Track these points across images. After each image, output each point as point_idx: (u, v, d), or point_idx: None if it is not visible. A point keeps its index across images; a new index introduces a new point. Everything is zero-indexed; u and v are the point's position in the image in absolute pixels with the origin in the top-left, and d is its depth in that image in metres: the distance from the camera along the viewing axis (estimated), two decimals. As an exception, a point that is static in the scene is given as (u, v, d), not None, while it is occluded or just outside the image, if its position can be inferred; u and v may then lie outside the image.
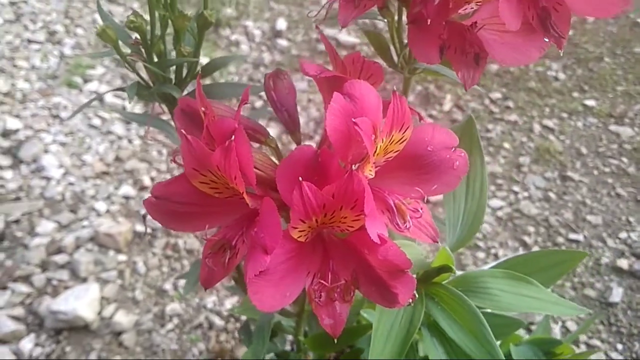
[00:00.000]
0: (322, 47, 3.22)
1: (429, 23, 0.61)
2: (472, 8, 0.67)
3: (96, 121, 2.73)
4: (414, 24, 0.63)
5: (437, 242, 0.60)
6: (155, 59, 0.84)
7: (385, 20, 0.79)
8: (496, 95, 3.02)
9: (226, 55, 1.14)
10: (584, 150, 2.73)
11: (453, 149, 0.60)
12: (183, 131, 0.51)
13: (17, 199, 2.41)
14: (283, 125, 0.70)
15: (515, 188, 2.56)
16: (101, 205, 2.40)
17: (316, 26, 0.71)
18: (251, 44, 3.22)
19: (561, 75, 3.12)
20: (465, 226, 0.88)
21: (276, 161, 0.64)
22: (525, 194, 2.54)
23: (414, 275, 0.71)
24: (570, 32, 3.03)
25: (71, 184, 2.48)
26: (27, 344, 1.96)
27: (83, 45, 3.16)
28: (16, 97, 2.82)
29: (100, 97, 0.88)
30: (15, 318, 2.02)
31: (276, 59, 3.14)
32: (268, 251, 0.49)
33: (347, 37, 3.24)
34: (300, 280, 0.55)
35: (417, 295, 0.64)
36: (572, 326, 2.11)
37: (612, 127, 2.84)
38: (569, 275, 2.24)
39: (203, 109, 0.58)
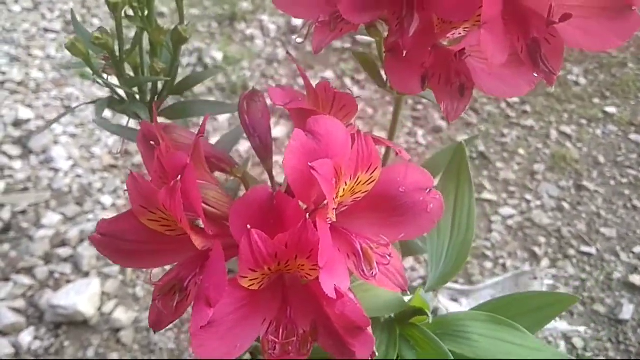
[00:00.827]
0: (336, 44, 3.17)
1: (404, 55, 0.56)
2: (460, 34, 0.63)
3: (107, 113, 2.72)
4: (392, 52, 0.59)
5: (406, 291, 0.56)
6: (132, 73, 0.81)
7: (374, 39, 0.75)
8: (513, 98, 2.94)
9: (203, 71, 1.11)
10: (601, 159, 2.65)
11: (428, 190, 0.56)
12: (130, 170, 0.47)
13: (25, 189, 2.42)
14: (254, 151, 0.67)
15: (528, 196, 2.49)
16: (107, 199, 2.39)
17: (287, 52, 0.67)
18: (266, 39, 3.18)
19: (582, 80, 3.03)
20: (449, 262, 0.84)
21: (243, 191, 0.61)
22: (538, 202, 2.47)
23: (391, 315, 0.68)
24: None
25: (79, 176, 2.48)
26: (26, 337, 1.96)
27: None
28: (30, 86, 2.82)
29: (72, 111, 0.85)
30: (16, 310, 2.03)
31: (290, 55, 3.09)
32: (211, 304, 0.45)
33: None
34: (253, 329, 0.51)
35: (390, 337, 0.60)
36: (578, 342, 2.05)
37: (632, 136, 2.75)
38: (578, 290, 2.18)
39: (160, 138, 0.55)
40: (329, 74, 3.00)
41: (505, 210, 2.44)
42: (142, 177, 0.49)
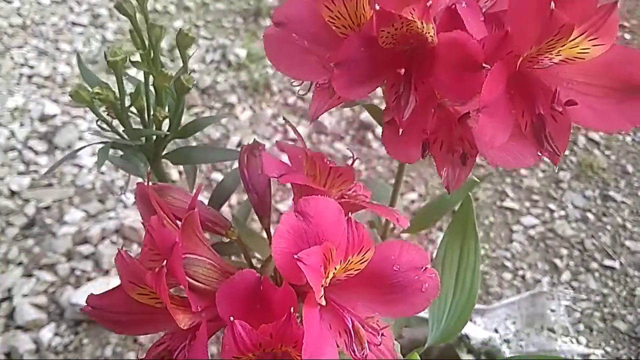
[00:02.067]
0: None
1: (400, 133, 0.55)
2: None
3: (132, 109, 2.74)
4: (390, 124, 0.57)
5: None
6: (136, 113, 0.80)
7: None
8: (541, 102, 2.88)
9: (208, 117, 1.10)
10: (629, 168, 2.57)
11: (423, 268, 0.55)
12: (118, 249, 0.47)
13: (49, 185, 2.46)
14: (253, 207, 0.66)
15: (552, 205, 2.44)
16: (129, 197, 2.42)
17: (284, 117, 0.66)
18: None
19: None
20: (451, 321, 0.82)
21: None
22: (562, 212, 2.42)
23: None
24: (628, 36, 2.85)
25: (102, 173, 2.51)
26: (47, 334, 2.01)
27: (125, 30, 3.17)
28: (57, 80, 2.86)
29: (74, 155, 0.85)
30: (38, 306, 2.08)
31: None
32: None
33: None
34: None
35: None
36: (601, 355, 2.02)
37: (664, 145, 2.67)
38: (599, 305, 2.14)
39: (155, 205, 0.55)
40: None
41: (528, 220, 2.39)
42: (129, 256, 0.49)
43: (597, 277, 2.22)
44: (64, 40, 3.06)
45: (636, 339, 2.05)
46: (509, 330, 1.65)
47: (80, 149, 0.88)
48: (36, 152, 2.55)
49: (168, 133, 0.82)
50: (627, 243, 2.31)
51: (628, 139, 2.69)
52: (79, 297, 2.05)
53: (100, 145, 0.83)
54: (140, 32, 0.85)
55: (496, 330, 1.64)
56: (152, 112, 0.83)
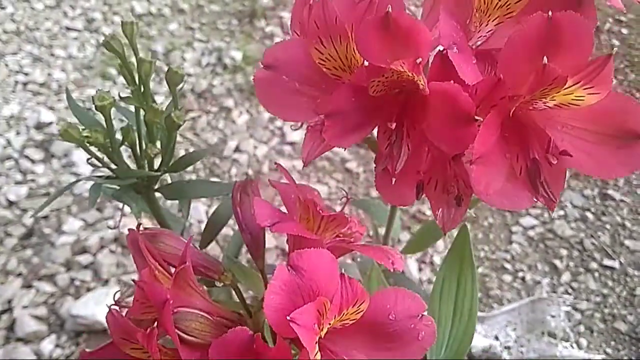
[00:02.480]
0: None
1: (393, 183, 0.54)
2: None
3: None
4: (383, 171, 0.56)
5: None
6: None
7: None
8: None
9: (199, 151, 1.09)
10: (629, 166, 2.56)
11: (419, 316, 0.54)
12: (107, 304, 0.47)
13: (47, 194, 2.46)
14: (246, 247, 0.65)
15: (551, 206, 2.43)
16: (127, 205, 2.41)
17: (275, 162, 0.65)
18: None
19: (612, 81, 2.93)
20: (449, 352, 0.82)
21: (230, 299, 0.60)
22: (561, 212, 2.42)
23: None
24: (625, 31, 2.84)
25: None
26: (48, 345, 2.01)
27: (120, 34, 3.14)
28: (52, 87, 2.84)
29: (70, 188, 0.85)
30: (38, 318, 2.08)
31: (311, 54, 3.05)
32: None
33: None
34: None
35: None
36: (598, 362, 2.02)
37: (663, 142, 2.65)
38: (599, 306, 2.14)
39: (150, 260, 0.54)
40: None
41: (527, 221, 2.39)
42: (120, 314, 0.49)
43: (597, 277, 2.22)
44: (58, 45, 3.04)
45: (637, 339, 2.05)
46: (510, 337, 1.65)
47: (73, 183, 0.87)
48: (33, 161, 2.54)
49: (159, 173, 0.82)
50: (627, 242, 2.31)
51: (626, 136, 2.68)
52: (79, 308, 2.04)
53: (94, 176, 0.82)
54: (130, 68, 0.84)
55: (496, 337, 1.64)
56: (144, 147, 0.82)
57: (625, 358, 2.01)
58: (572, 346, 1.69)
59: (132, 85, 0.84)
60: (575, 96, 0.51)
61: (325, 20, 0.55)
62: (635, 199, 2.45)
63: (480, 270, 2.23)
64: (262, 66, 0.61)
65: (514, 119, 0.53)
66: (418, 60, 0.48)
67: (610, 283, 2.20)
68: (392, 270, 0.56)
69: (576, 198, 2.46)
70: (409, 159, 0.56)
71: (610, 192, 2.47)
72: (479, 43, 0.61)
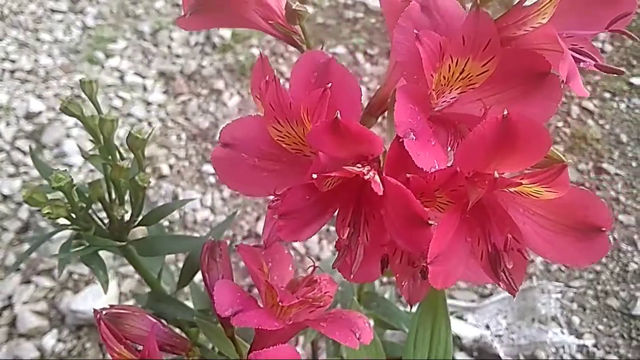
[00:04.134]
0: (348, 14, 3.05)
1: (352, 274, 0.53)
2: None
3: (117, 102, 2.71)
4: (343, 256, 0.56)
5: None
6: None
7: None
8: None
9: (171, 203, 1.08)
10: (624, 137, 2.55)
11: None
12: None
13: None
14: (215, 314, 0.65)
15: (545, 182, 2.43)
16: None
17: (236, 246, 0.64)
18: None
19: (608, 47, 2.87)
20: None
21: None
22: (555, 188, 2.41)
23: None
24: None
25: (92, 170, 2.50)
26: (50, 340, 2.05)
27: (105, 14, 3.09)
28: (39, 74, 2.81)
29: (48, 239, 0.85)
30: (39, 313, 2.11)
31: (301, 29, 2.99)
32: None
33: (376, 2, 3.05)
34: None
35: None
36: (589, 339, 2.05)
37: (659, 111, 2.62)
38: (592, 283, 2.16)
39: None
40: (340, 49, 2.90)
41: (521, 198, 2.39)
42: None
43: (590, 254, 2.23)
44: (43, 29, 2.99)
45: (629, 315, 2.08)
46: (500, 326, 1.67)
47: (50, 235, 0.87)
48: (24, 153, 2.54)
49: (124, 244, 0.81)
50: (621, 217, 2.31)
51: (623, 106, 2.65)
52: (78, 303, 2.07)
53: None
54: (92, 128, 0.82)
55: (487, 327, 1.66)
56: (114, 199, 0.81)
57: (617, 334, 2.04)
58: (562, 332, 1.72)
59: (97, 143, 0.83)
60: (534, 190, 0.50)
61: (280, 105, 0.54)
62: (630, 172, 2.43)
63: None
64: (219, 145, 0.59)
65: (476, 208, 0.52)
66: (366, 177, 0.47)
67: (603, 259, 2.22)
68: (357, 345, 0.57)
69: (571, 173, 2.43)
70: (371, 235, 0.55)
71: (605, 165, 2.46)
72: (443, 106, 0.60)
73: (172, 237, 0.98)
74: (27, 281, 2.19)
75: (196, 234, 2.32)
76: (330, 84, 0.50)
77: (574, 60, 0.52)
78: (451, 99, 0.58)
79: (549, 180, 0.48)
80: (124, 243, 0.80)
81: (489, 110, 0.55)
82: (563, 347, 1.79)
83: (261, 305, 0.60)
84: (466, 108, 0.59)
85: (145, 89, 2.75)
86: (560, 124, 2.61)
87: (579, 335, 2.02)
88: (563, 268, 2.20)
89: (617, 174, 2.43)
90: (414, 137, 0.51)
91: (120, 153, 0.85)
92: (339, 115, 0.46)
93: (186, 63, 2.85)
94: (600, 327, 2.07)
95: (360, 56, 2.87)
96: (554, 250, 0.54)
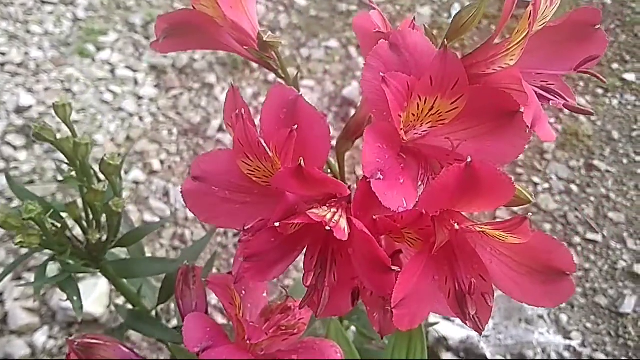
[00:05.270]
0: (342, 6, 3.03)
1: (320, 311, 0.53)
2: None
3: (108, 96, 2.69)
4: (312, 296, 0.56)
5: None
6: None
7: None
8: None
9: (149, 225, 1.08)
10: (615, 134, 2.54)
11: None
12: None
13: (31, 182, 2.45)
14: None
15: (536, 179, 2.43)
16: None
17: (206, 280, 0.64)
18: (267, 4, 3.05)
19: (602, 42, 2.85)
20: None
21: None
22: (546, 185, 2.42)
23: None
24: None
25: (83, 166, 2.49)
26: (41, 337, 2.06)
27: (96, 6, 3.06)
28: (30, 67, 2.79)
29: (21, 262, 0.85)
30: (30, 310, 2.12)
31: (293, 21, 2.97)
32: None
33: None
34: None
35: None
36: (576, 336, 2.06)
37: (651, 108, 2.62)
38: (581, 281, 2.17)
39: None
40: (333, 43, 2.88)
41: (511, 195, 2.38)
42: None
43: (579, 252, 2.24)
44: (34, 21, 2.96)
45: (616, 313, 2.09)
46: (487, 326, 1.68)
47: (22, 258, 0.87)
48: (15, 148, 2.53)
49: (98, 271, 0.81)
50: (610, 215, 2.32)
51: (615, 102, 2.65)
52: (68, 302, 2.08)
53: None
54: (66, 152, 0.82)
55: (474, 328, 1.67)
56: (90, 223, 0.81)
57: (604, 332, 2.05)
58: (548, 332, 1.73)
59: (74, 166, 0.83)
60: (498, 234, 0.50)
61: (248, 141, 0.54)
62: (620, 169, 2.44)
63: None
64: (190, 177, 0.59)
65: (446, 248, 0.52)
66: (327, 228, 0.47)
67: (592, 257, 2.23)
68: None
69: (561, 170, 2.46)
70: (341, 270, 0.55)
71: (596, 162, 2.46)
72: (415, 137, 0.60)
73: (148, 259, 0.99)
74: (18, 277, 2.19)
75: (187, 231, 2.32)
76: (296, 126, 0.50)
77: (542, 99, 0.51)
78: (422, 132, 0.58)
79: (510, 229, 0.48)
80: (97, 270, 0.80)
81: (459, 145, 0.55)
82: (550, 346, 1.80)
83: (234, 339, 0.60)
84: (438, 140, 0.59)
85: (136, 82, 2.73)
86: (552, 120, 2.60)
87: (566, 335, 2.04)
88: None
89: (607, 171, 2.44)
90: (382, 177, 0.51)
91: (96, 174, 0.84)
92: (302, 163, 0.46)
93: (178, 56, 2.83)
94: (588, 325, 2.08)
95: (353, 50, 2.86)
96: (519, 291, 0.54)
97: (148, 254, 2.26)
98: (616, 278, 2.17)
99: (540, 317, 1.79)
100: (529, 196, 0.57)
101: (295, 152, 0.52)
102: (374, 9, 0.64)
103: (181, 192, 0.60)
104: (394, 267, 0.48)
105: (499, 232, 0.49)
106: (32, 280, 2.13)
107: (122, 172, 2.54)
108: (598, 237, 2.26)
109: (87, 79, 2.75)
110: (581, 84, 2.71)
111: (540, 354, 1.81)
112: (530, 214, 2.05)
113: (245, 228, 0.55)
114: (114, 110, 2.66)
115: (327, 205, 0.51)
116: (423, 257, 0.51)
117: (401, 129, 0.53)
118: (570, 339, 1.94)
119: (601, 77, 0.59)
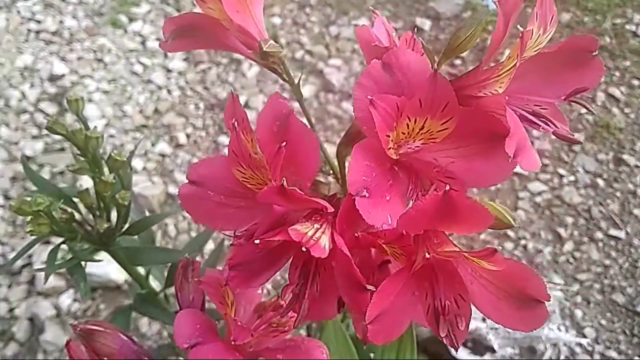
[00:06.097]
0: (375, -15, 2.98)
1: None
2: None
3: (138, 67, 2.73)
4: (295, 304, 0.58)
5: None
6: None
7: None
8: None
9: (154, 215, 1.10)
10: (648, 128, 2.48)
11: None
12: None
13: (62, 149, 2.52)
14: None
15: (562, 170, 2.39)
16: (138, 163, 2.47)
17: (199, 281, 0.66)
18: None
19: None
20: None
21: None
22: (572, 177, 2.38)
23: None
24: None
25: (112, 136, 2.55)
26: (66, 300, 2.15)
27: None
28: (64, 36, 2.84)
29: (29, 248, 0.89)
30: (56, 273, 2.20)
31: (325, -3, 2.95)
32: None
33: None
34: None
35: None
36: (590, 333, 2.05)
37: (688, 102, 2.54)
38: (599, 277, 2.15)
39: None
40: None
41: (535, 186, 2.36)
42: None
43: (600, 248, 2.21)
44: (69, -12, 3.00)
45: (633, 312, 2.07)
46: (497, 318, 1.69)
47: (34, 242, 0.91)
48: (47, 115, 2.59)
49: (102, 260, 0.84)
50: (636, 211, 2.28)
51: (650, 94, 2.57)
52: (92, 266, 2.15)
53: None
54: (79, 144, 0.85)
55: (483, 319, 1.68)
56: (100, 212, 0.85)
57: (619, 330, 2.04)
58: (559, 329, 1.73)
59: (85, 157, 0.86)
60: (475, 260, 0.51)
61: (241, 152, 0.55)
62: (651, 165, 2.38)
63: (482, 236, 2.24)
64: (187, 181, 0.62)
65: (425, 267, 0.54)
66: (303, 249, 0.49)
67: (613, 253, 2.20)
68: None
69: (589, 162, 2.41)
70: (326, 279, 0.57)
71: (625, 156, 2.40)
72: (408, 151, 0.60)
73: (155, 249, 1.02)
74: (46, 242, 2.28)
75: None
76: (285, 143, 0.52)
77: (532, 124, 0.52)
78: (415, 147, 0.59)
79: (483, 259, 0.49)
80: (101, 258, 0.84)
81: (450, 164, 0.56)
82: (560, 340, 1.80)
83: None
84: (430, 156, 0.59)
85: (166, 55, 2.76)
86: (583, 111, 2.54)
87: (579, 331, 2.03)
88: (571, 260, 2.19)
89: (637, 166, 2.38)
90: (367, 195, 0.52)
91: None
92: (285, 183, 0.48)
93: (208, 30, 2.84)
94: (603, 322, 2.07)
95: (383, 30, 2.82)
96: (496, 314, 0.55)
97: (171, 226, 2.33)
98: (636, 276, 2.15)
99: (553, 311, 1.79)
100: (511, 220, 0.58)
101: (287, 165, 0.53)
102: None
103: (178, 195, 0.62)
104: (369, 287, 0.49)
105: (475, 260, 0.50)
106: (62, 246, 2.21)
107: (150, 144, 2.57)
108: (621, 234, 2.23)
109: (119, 49, 2.79)
110: (617, 74, 2.64)
111: (551, 348, 1.81)
112: (500, 247, 2.03)
113: (237, 234, 0.57)
114: (143, 82, 2.70)
115: (313, 219, 0.53)
116: (404, 274, 0.52)
117: (390, 148, 0.54)
118: (583, 335, 1.93)
119: (590, 108, 0.59)
